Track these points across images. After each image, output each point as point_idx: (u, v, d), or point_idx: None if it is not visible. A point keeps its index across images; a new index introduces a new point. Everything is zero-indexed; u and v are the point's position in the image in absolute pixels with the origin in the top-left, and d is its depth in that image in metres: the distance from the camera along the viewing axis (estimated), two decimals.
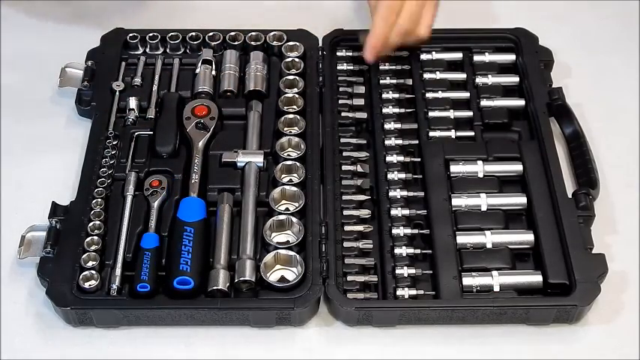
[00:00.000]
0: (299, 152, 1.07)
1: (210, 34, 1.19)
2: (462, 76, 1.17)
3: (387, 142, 1.09)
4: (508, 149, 1.09)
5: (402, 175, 1.06)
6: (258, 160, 1.06)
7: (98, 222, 1.00)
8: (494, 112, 1.13)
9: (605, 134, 1.14)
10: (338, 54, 1.19)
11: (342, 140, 1.09)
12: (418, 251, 1.00)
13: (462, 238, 1.00)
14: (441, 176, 1.06)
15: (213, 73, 1.16)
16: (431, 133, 1.11)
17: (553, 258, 0.98)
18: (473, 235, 1.01)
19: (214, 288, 0.95)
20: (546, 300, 0.97)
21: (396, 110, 1.13)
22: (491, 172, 1.06)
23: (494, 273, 0.98)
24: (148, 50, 1.19)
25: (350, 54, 1.18)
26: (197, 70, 1.16)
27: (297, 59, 1.17)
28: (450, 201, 1.03)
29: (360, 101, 1.14)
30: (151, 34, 1.18)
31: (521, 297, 0.97)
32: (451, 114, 1.12)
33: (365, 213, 1.04)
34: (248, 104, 1.13)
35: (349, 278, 0.98)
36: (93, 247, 0.98)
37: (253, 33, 1.19)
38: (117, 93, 1.14)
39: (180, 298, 0.95)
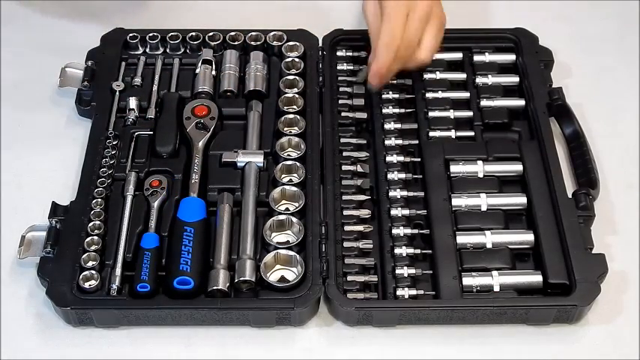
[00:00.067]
0: (299, 152, 1.07)
1: (210, 34, 1.19)
2: (462, 76, 1.17)
3: (387, 142, 1.09)
4: (508, 149, 1.09)
5: (402, 175, 1.06)
6: (258, 160, 1.06)
7: (98, 222, 1.00)
8: (494, 112, 1.13)
9: (605, 134, 1.14)
10: (338, 54, 1.19)
11: (342, 140, 1.09)
12: (418, 251, 1.00)
13: (462, 238, 1.00)
14: (441, 176, 1.06)
15: (213, 73, 1.16)
16: (431, 133, 1.11)
17: (553, 258, 0.98)
18: (473, 235, 1.01)
19: (214, 288, 0.95)
20: (546, 300, 0.97)
21: (396, 110, 1.13)
22: (491, 172, 1.06)
23: (494, 273, 0.98)
24: (148, 50, 1.19)
25: (350, 54, 1.18)
26: (197, 70, 1.16)
27: (297, 59, 1.17)
28: (450, 201, 1.03)
29: (360, 101, 1.14)
30: (151, 34, 1.18)
31: (521, 297, 0.97)
32: (451, 114, 1.12)
33: (365, 213, 1.04)
34: (248, 104, 1.13)
35: (349, 278, 0.98)
36: (93, 247, 0.98)
37: (253, 33, 1.19)
38: (117, 93, 1.14)
39: (180, 298, 0.95)
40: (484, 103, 1.14)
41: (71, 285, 0.95)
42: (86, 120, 1.13)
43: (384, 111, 1.12)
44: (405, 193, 1.04)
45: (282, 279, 0.98)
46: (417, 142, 1.10)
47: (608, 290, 0.97)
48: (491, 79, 1.16)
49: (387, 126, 1.11)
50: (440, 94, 1.14)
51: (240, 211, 1.02)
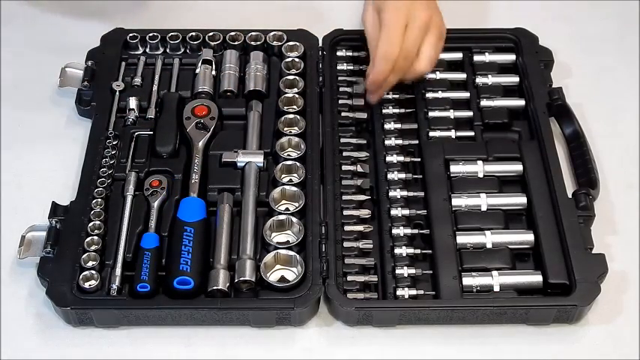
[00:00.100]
0: (299, 152, 1.07)
1: (210, 34, 1.19)
2: (462, 76, 1.17)
3: (387, 142, 1.09)
4: (508, 149, 1.09)
5: (402, 175, 1.06)
6: (258, 160, 1.06)
7: (98, 222, 1.00)
8: (494, 112, 1.13)
9: (605, 134, 1.14)
10: (338, 54, 1.19)
11: (342, 140, 1.09)
12: (418, 251, 1.00)
13: (462, 238, 1.00)
14: (441, 176, 1.06)
15: (213, 73, 1.16)
16: (431, 133, 1.11)
17: (553, 258, 0.98)
18: (473, 235, 1.01)
19: (214, 288, 0.95)
20: (546, 300, 0.97)
21: (396, 110, 1.13)
22: (491, 172, 1.06)
23: (495, 273, 0.98)
24: (148, 50, 1.19)
25: (350, 54, 1.19)
26: (197, 70, 1.16)
27: (297, 59, 1.17)
28: (450, 201, 1.03)
29: (360, 101, 1.13)
30: (151, 34, 1.18)
31: (521, 297, 0.97)
32: (451, 114, 1.12)
33: (365, 213, 1.04)
34: (248, 104, 1.13)
35: (349, 278, 0.98)
36: (93, 247, 0.98)
37: (253, 33, 1.19)
38: (117, 93, 1.14)
39: (181, 298, 0.95)
40: (484, 103, 1.14)
41: (71, 285, 0.95)
42: (86, 120, 1.13)
43: (384, 111, 1.12)
44: (405, 193, 1.04)
45: (282, 279, 0.98)
46: (417, 142, 1.10)
47: (608, 290, 0.97)
48: (491, 79, 1.16)
49: (387, 126, 1.11)
50: (440, 94, 1.14)
51: (240, 211, 1.02)
